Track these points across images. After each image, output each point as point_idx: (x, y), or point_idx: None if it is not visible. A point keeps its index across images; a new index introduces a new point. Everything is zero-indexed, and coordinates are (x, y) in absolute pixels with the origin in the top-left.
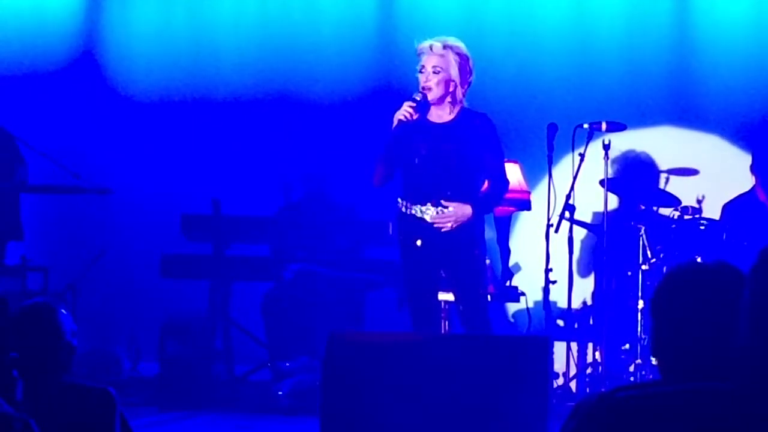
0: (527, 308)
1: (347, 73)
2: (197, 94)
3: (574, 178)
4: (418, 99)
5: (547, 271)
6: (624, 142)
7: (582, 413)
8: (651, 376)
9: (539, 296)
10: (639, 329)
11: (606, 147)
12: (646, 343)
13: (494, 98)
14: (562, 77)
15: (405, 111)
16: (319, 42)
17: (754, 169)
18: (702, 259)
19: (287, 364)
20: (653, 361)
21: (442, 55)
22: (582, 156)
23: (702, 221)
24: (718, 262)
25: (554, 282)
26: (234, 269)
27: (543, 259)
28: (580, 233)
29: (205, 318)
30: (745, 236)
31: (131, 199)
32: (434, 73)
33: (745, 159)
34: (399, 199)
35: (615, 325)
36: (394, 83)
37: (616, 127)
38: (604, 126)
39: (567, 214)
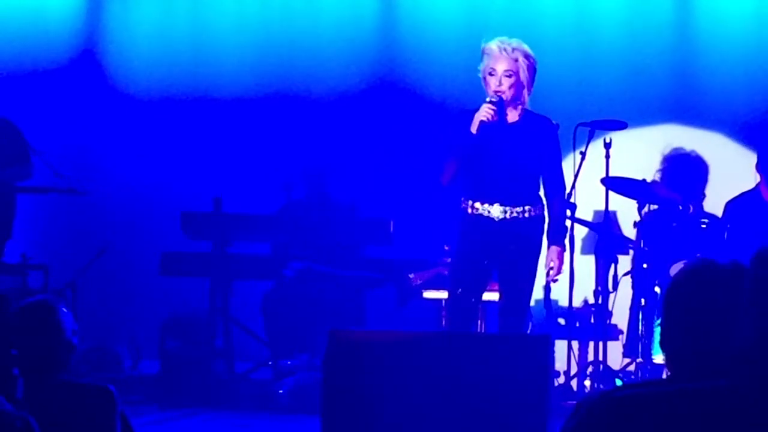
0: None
1: (348, 71)
2: (198, 92)
3: (575, 176)
4: (495, 100)
5: (549, 269)
6: (628, 139)
7: (583, 412)
8: (650, 375)
9: (540, 294)
10: (640, 327)
11: (607, 145)
12: (647, 341)
13: None
14: (564, 75)
15: (486, 113)
16: (319, 40)
17: (759, 167)
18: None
19: (288, 363)
20: (654, 359)
21: (515, 59)
22: (583, 154)
23: (703, 219)
24: (734, 263)
25: (555, 280)
26: (234, 267)
27: (544, 258)
28: (581, 231)
29: (205, 316)
30: (748, 234)
31: (132, 197)
32: (506, 77)
33: (747, 156)
34: (463, 198)
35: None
36: (395, 81)
37: (617, 125)
38: (605, 125)
39: (568, 213)
